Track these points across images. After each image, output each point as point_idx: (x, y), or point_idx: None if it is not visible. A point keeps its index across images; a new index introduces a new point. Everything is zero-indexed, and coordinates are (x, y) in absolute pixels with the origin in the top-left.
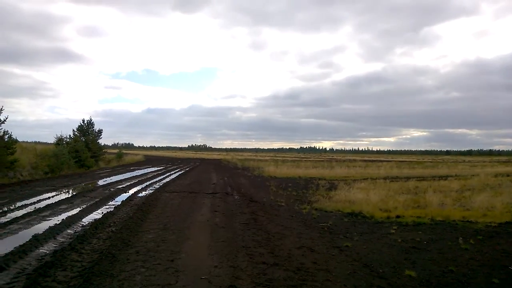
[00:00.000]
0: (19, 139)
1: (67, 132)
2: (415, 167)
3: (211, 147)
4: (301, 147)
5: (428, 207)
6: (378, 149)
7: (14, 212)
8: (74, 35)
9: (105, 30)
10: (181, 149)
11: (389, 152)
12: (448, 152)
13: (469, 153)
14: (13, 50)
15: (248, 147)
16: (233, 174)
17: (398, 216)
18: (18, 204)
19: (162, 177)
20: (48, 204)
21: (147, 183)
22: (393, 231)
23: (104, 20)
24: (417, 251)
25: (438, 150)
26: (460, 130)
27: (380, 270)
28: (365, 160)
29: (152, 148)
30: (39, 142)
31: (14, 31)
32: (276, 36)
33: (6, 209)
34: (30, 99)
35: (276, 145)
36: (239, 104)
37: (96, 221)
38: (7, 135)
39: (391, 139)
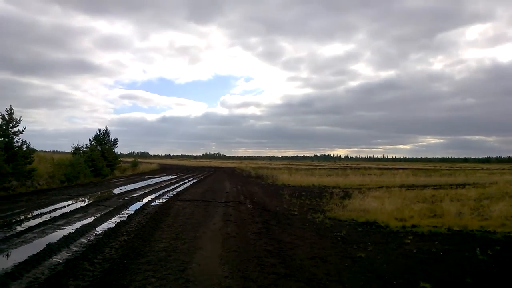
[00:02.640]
0: (38, 149)
1: (84, 141)
2: (432, 175)
3: (225, 155)
4: (315, 155)
5: (445, 216)
6: (394, 157)
7: (30, 221)
8: (92, 46)
9: (121, 41)
10: (195, 157)
11: (405, 160)
12: (466, 160)
13: (487, 160)
14: (33, 62)
15: (262, 155)
16: (246, 182)
17: (413, 226)
18: (34, 213)
19: (175, 185)
20: (63, 213)
21: (161, 191)
22: (409, 241)
23: (121, 31)
24: (433, 262)
25: (456, 157)
26: (477, 137)
27: (394, 282)
28: (380, 168)
29: (167, 156)
30: (57, 151)
31: (34, 44)
32: (290, 45)
33: (22, 218)
34: (48, 109)
35: (290, 153)
36: (253, 112)
37: (109, 230)
38: (25, 145)
39: (407, 147)
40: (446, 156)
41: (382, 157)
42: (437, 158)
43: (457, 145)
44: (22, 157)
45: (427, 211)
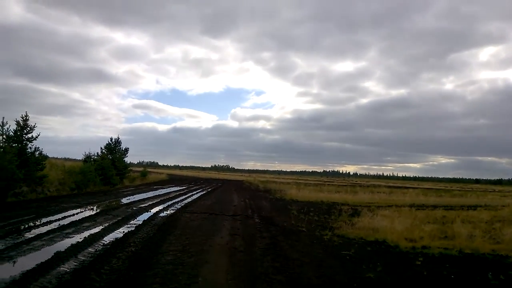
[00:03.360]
0: (50, 155)
1: (95, 149)
2: (443, 195)
3: (233, 167)
4: (324, 171)
5: (456, 238)
6: (404, 175)
7: (39, 228)
8: (108, 57)
9: (137, 52)
10: (204, 169)
11: (415, 179)
12: (477, 181)
13: (499, 182)
14: (51, 70)
15: (271, 169)
16: (254, 196)
17: (424, 247)
18: (44, 220)
19: (184, 197)
20: (72, 221)
21: (169, 202)
22: (419, 262)
23: (137, 43)
24: (443, 285)
25: (467, 178)
26: (489, 158)
27: None
28: (389, 186)
29: (176, 167)
30: (68, 159)
31: (53, 52)
32: (301, 60)
33: (32, 225)
34: (63, 116)
35: (298, 167)
36: (263, 125)
37: (116, 240)
38: (38, 152)
39: (417, 165)
40: (457, 176)
41: (391, 175)
42: (448, 178)
43: (468, 166)
44: (34, 163)
45: (438, 232)
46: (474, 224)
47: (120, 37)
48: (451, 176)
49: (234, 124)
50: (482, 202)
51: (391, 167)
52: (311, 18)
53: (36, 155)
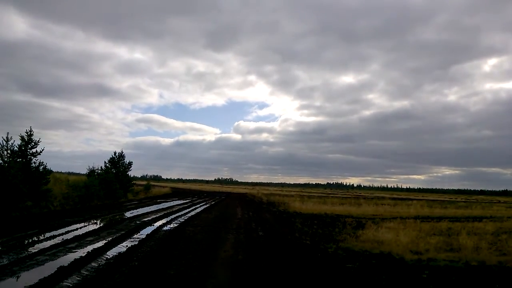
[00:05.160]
0: (54, 170)
1: (99, 163)
2: (447, 206)
3: (237, 180)
4: (327, 183)
5: (462, 250)
6: (408, 187)
7: (43, 243)
8: (112, 71)
9: (140, 67)
10: (207, 182)
11: (419, 190)
12: (482, 192)
13: (504, 193)
14: (55, 85)
15: (274, 182)
16: (258, 209)
17: (430, 259)
18: (47, 235)
19: (187, 210)
20: (76, 236)
21: (172, 216)
22: (425, 275)
23: (140, 57)
24: None
25: (472, 189)
26: (493, 169)
27: None
28: (394, 198)
29: (179, 180)
30: (72, 173)
31: (56, 68)
32: (304, 73)
33: (35, 239)
34: (66, 131)
35: (302, 180)
36: (266, 138)
37: (120, 254)
38: (42, 166)
39: (421, 177)
40: (461, 187)
41: (396, 186)
42: (452, 189)
43: (472, 177)
44: (39, 178)
45: (444, 244)
46: (480, 235)
47: (124, 52)
48: (455, 188)
49: (237, 137)
50: (487, 213)
51: (395, 179)
52: (313, 31)
53: (40, 170)
